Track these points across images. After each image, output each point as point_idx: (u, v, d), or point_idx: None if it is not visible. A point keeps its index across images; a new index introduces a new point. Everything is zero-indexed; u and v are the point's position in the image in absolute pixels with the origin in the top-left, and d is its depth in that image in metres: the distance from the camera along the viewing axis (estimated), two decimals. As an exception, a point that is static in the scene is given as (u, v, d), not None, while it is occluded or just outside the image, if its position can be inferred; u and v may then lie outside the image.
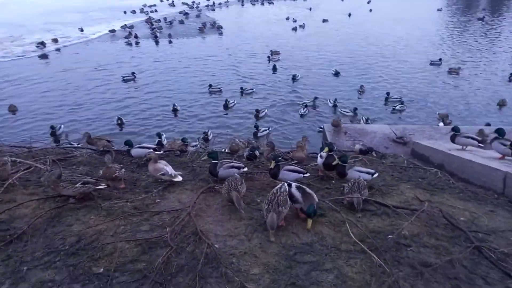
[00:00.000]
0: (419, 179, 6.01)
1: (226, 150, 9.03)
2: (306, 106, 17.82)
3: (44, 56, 27.95)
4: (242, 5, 60.08)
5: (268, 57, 26.88)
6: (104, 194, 5.00)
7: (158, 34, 34.89)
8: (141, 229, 4.09)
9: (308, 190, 4.44)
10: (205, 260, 3.48)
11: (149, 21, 41.51)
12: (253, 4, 60.81)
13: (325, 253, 3.68)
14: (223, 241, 3.89)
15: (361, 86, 20.46)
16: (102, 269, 3.35)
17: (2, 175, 5.35)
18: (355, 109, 17.01)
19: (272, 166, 5.38)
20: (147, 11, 49.27)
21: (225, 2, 61.01)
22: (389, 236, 3.96)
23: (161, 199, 4.99)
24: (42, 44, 29.89)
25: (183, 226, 4.11)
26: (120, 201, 4.82)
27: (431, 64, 25.36)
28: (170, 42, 32.90)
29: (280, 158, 5.64)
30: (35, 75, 23.11)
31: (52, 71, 24.10)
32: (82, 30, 36.02)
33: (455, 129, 7.38)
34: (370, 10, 49.95)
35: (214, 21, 41.59)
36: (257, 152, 7.12)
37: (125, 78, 22.01)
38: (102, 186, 4.87)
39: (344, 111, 17.04)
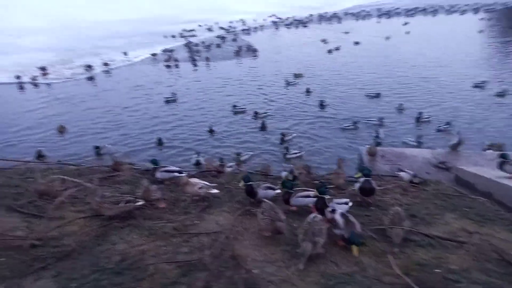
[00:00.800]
0: (466, 209, 5.70)
1: (257, 171, 9.13)
2: (352, 124, 17.91)
3: (91, 78, 29.76)
4: (277, 28, 61.31)
5: (287, 81, 26.42)
6: (146, 214, 5.16)
7: (196, 57, 36.28)
8: (181, 250, 4.17)
9: (352, 218, 4.38)
10: (244, 286, 3.48)
11: (188, 45, 43.31)
12: (288, 28, 61.87)
13: (367, 285, 3.55)
14: (261, 267, 3.87)
15: (401, 104, 20.04)
16: (145, 290, 3.43)
17: (51, 192, 5.68)
18: (420, 138, 16.21)
19: (241, 185, 5.57)
20: (186, 36, 51.45)
21: (260, 26, 62.58)
22: (436, 270, 3.77)
23: (199, 221, 5.08)
24: (89, 67, 31.90)
25: (222, 249, 4.14)
26: (160, 221, 4.96)
27: (475, 86, 24.34)
28: (208, 64, 34.03)
29: (249, 181, 5.61)
30: (83, 95, 24.62)
31: (97, 92, 25.62)
32: (126, 54, 38.13)
33: (504, 156, 7.00)
34: (407, 33, 49.04)
35: (249, 44, 42.69)
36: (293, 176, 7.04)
37: (168, 99, 22.91)
38: (140, 202, 5.06)
39: (409, 139, 16.35)
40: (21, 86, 27.41)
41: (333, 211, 4.48)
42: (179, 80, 28.56)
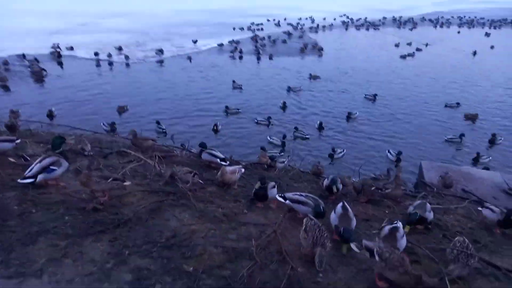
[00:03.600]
0: (539, 243, 5.12)
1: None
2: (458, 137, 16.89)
3: (160, 62, 31.31)
4: (346, 29, 59.64)
5: (289, 87, 24.04)
6: (198, 196, 5.31)
7: (260, 51, 36.55)
8: (228, 236, 4.23)
9: (351, 214, 4.53)
10: (287, 282, 3.44)
11: (254, 38, 43.79)
12: (358, 29, 59.90)
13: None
14: (307, 266, 3.81)
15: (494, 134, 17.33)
16: (191, 268, 3.53)
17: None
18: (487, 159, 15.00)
19: (256, 186, 5.27)
20: (254, 29, 52.04)
21: (329, 25, 61.30)
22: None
23: (248, 211, 5.11)
24: (160, 51, 33.60)
25: (269, 242, 4.13)
26: (211, 205, 5.08)
27: None
28: (271, 59, 34.13)
29: (265, 183, 5.28)
30: (150, 78, 26.02)
31: (165, 76, 26.90)
32: (195, 42, 39.53)
33: None
34: (492, 47, 44.04)
35: (315, 42, 42.02)
36: (338, 186, 6.20)
37: (235, 85, 23.73)
38: (128, 183, 5.08)
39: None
40: (98, 63, 29.62)
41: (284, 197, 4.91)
42: (241, 71, 29.02)
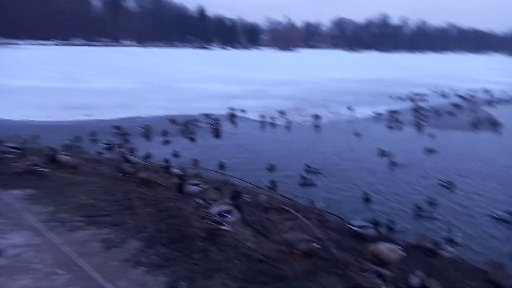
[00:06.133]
0: None
1: None
2: None
3: (317, 126, 33.02)
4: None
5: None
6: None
7: (422, 122, 34.42)
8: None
9: None
10: None
11: (415, 108, 41.75)
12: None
13: None
14: None
15: None
16: None
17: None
18: None
19: None
20: (415, 99, 49.80)
21: (510, 98, 53.55)
22: None
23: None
24: (317, 116, 35.57)
25: None
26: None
27: None
28: (432, 133, 31.63)
29: None
30: (304, 139, 27.65)
31: (318, 138, 28.17)
32: (350, 109, 40.36)
33: None
34: None
35: (490, 116, 37.08)
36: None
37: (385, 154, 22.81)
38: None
39: None
40: (262, 124, 33.36)
41: None
42: (399, 141, 27.76)
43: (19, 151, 13.62)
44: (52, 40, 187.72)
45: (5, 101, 35.03)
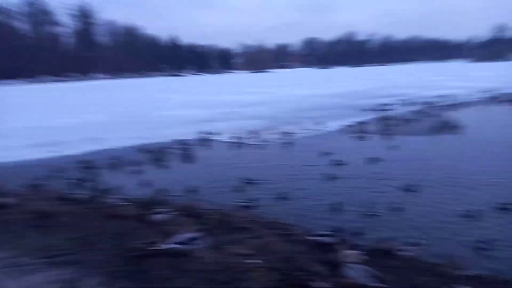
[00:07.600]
0: None
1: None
2: None
3: (286, 143, 33.62)
4: (490, 104, 53.51)
5: None
6: None
7: (389, 131, 35.72)
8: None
9: None
10: None
11: (381, 118, 43.30)
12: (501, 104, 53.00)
13: None
14: None
15: None
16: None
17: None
18: None
19: None
20: (381, 109, 51.72)
21: (470, 102, 56.25)
22: None
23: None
24: (286, 133, 36.30)
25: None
26: None
27: None
28: (394, 140, 32.83)
29: None
30: (274, 156, 28.07)
31: (285, 154, 28.67)
32: (320, 124, 41.38)
33: None
34: None
35: (451, 119, 38.86)
36: None
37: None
38: None
39: None
40: (234, 145, 33.74)
41: None
42: (368, 149, 28.61)
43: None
44: (17, 80, 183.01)
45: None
